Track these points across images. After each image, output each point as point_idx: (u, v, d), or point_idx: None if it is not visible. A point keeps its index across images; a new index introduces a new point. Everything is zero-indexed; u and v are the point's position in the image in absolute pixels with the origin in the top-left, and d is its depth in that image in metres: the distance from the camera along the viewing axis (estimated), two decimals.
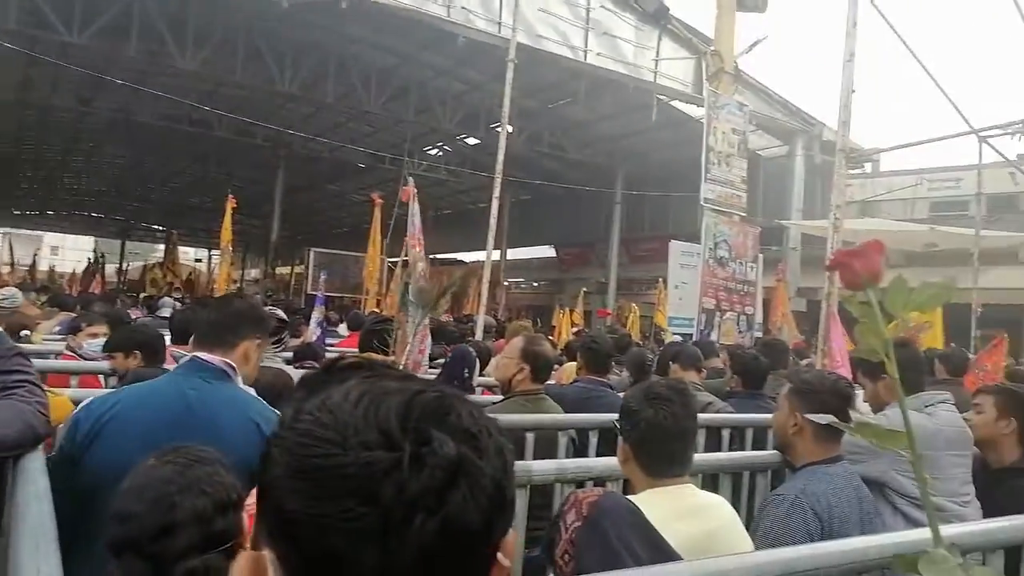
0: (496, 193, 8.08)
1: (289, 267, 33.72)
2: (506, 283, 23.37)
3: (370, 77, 15.90)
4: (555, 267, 26.49)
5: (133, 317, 7.20)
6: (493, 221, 8.05)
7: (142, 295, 18.77)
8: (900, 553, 0.72)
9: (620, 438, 1.96)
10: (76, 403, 2.20)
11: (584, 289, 17.36)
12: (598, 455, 3.02)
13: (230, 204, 11.25)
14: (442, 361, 5.18)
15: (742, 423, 3.56)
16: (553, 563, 1.48)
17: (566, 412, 3.25)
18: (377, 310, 9.69)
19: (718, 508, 1.92)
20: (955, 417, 2.77)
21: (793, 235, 16.23)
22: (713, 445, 3.34)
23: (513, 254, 25.66)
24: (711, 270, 9.70)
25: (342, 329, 9.22)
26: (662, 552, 1.48)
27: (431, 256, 23.03)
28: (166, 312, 8.20)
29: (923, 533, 0.65)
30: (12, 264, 22.34)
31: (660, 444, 1.84)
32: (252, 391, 2.05)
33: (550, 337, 9.37)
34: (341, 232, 32.80)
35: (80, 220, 38.11)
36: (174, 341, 3.60)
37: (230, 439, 1.67)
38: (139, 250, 42.84)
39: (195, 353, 1.99)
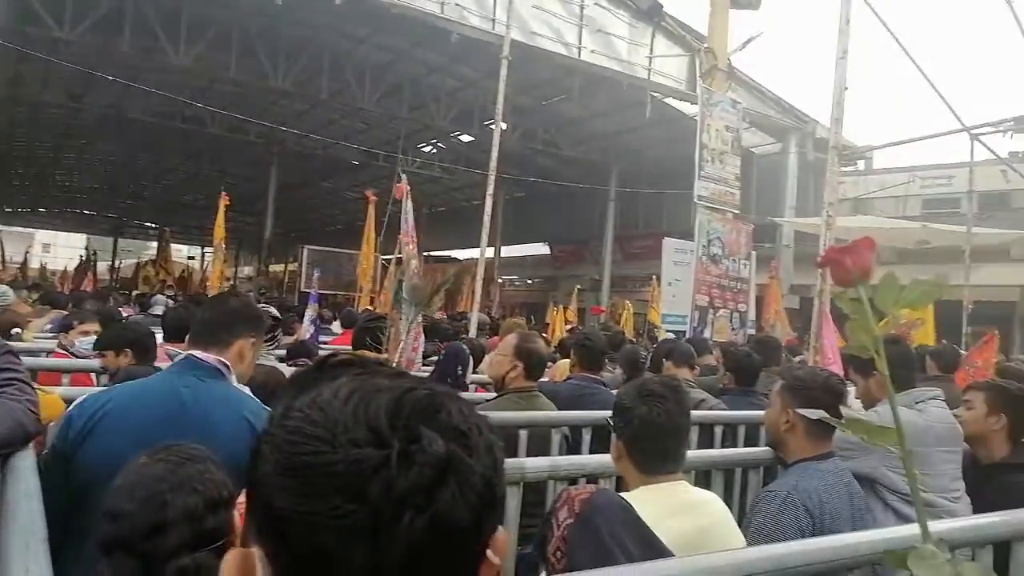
0: (490, 190, 8.08)
1: (283, 265, 33.62)
2: (500, 280, 23.36)
3: (364, 74, 15.86)
4: (549, 264, 26.50)
5: (125, 315, 7.18)
6: (487, 218, 8.04)
7: (134, 293, 18.70)
8: (890, 549, 0.73)
9: (613, 435, 1.96)
10: (67, 401, 2.20)
11: (578, 286, 17.36)
12: (591, 452, 3.03)
13: (223, 201, 11.19)
14: (435, 359, 5.18)
15: (735, 420, 3.58)
16: (545, 560, 1.48)
17: (559, 409, 3.26)
18: (371, 308, 9.68)
19: (711, 505, 1.93)
20: (946, 413, 2.78)
21: (786, 232, 16.28)
22: (706, 442, 3.35)
23: (507, 251, 25.66)
24: (704, 267, 9.71)
25: (336, 327, 9.22)
26: (654, 549, 1.49)
27: (425, 253, 23.04)
28: (158, 310, 8.18)
29: (913, 529, 0.66)
30: (3, 262, 22.18)
31: (654, 441, 1.85)
32: (247, 390, 2.05)
33: (544, 334, 9.37)
34: (335, 229, 32.74)
35: (72, 217, 37.90)
36: (166, 339, 3.58)
37: (223, 437, 1.66)
38: (132, 247, 42.60)
39: (190, 351, 2.00)
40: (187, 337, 2.11)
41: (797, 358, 6.71)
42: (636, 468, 1.86)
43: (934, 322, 8.17)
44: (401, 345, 3.18)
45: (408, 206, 5.53)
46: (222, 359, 1.97)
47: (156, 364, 3.19)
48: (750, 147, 16.09)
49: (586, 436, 3.19)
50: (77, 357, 4.09)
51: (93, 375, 3.76)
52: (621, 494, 1.78)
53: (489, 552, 0.58)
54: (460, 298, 15.63)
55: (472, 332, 7.44)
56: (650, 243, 16.32)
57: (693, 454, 2.58)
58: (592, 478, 2.37)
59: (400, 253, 5.39)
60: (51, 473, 1.73)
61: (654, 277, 12.32)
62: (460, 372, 4.09)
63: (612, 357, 5.39)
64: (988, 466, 2.76)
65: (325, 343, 6.90)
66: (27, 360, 2.12)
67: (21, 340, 5.03)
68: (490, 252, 16.89)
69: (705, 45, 13.75)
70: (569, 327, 11.56)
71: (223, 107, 16.10)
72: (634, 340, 9.48)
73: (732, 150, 10.50)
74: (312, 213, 32.58)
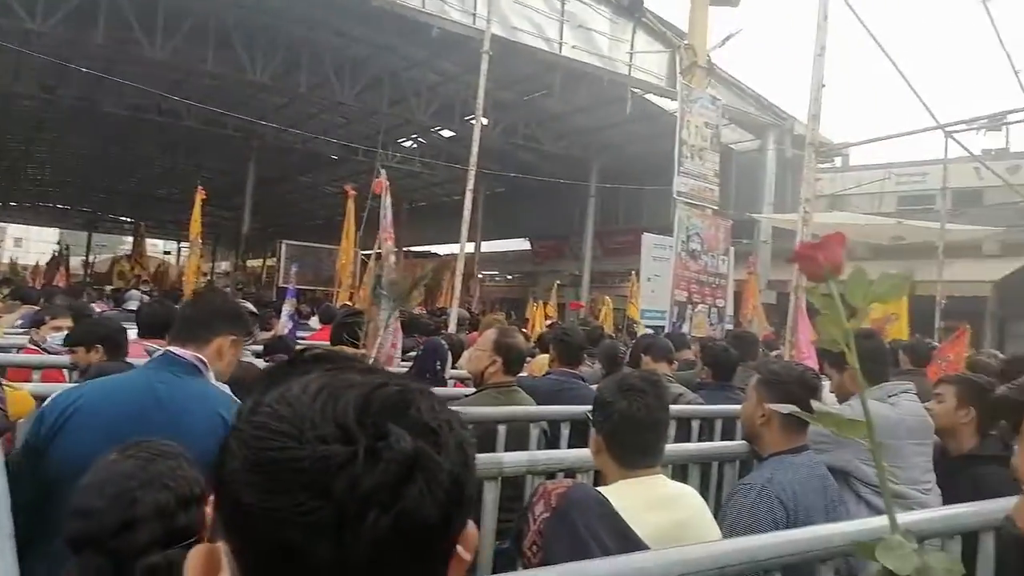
0: (470, 185, 8.06)
1: (260, 260, 33.32)
2: (480, 276, 23.35)
3: (344, 67, 15.74)
4: (529, 260, 26.52)
5: (99, 311, 7.07)
6: (467, 213, 8.03)
7: (109, 288, 18.44)
8: (860, 540, 0.73)
9: (593, 429, 1.97)
10: (37, 398, 2.16)
11: (558, 282, 17.40)
12: (570, 447, 3.04)
13: (200, 195, 11.05)
14: (414, 354, 5.17)
15: (711, 414, 3.60)
16: (521, 554, 1.48)
17: (539, 404, 3.26)
18: (349, 303, 9.61)
19: (688, 498, 1.94)
20: (917, 407, 2.83)
21: (764, 228, 16.43)
22: (683, 436, 3.37)
23: (487, 247, 25.64)
24: (683, 263, 9.78)
25: (314, 322, 9.14)
26: (630, 542, 1.50)
27: (405, 249, 22.95)
28: (133, 305, 8.05)
29: (884, 520, 0.67)
30: None
31: (633, 435, 1.86)
32: (227, 388, 2.04)
33: (523, 330, 9.39)
34: (314, 224, 32.48)
35: (45, 211, 37.22)
36: (141, 335, 3.53)
37: (197, 433, 1.65)
38: (106, 242, 42.00)
39: (168, 347, 2.00)
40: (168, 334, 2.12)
41: (774, 353, 6.78)
42: (615, 462, 1.87)
43: (908, 317, 8.30)
44: (379, 340, 3.16)
45: (387, 201, 5.49)
46: (200, 356, 1.97)
47: (132, 360, 3.15)
48: (729, 143, 16.20)
49: (564, 431, 3.20)
50: (49, 353, 4.03)
51: (65, 371, 3.70)
52: (599, 488, 1.79)
53: (459, 548, 0.58)
54: (440, 293, 15.58)
55: (452, 327, 7.43)
56: (630, 239, 16.38)
57: (670, 448, 2.60)
58: (570, 472, 2.38)
59: (380, 248, 5.36)
60: (23, 469, 1.72)
61: (633, 273, 12.38)
62: (439, 367, 4.08)
63: (591, 352, 5.41)
64: (957, 458, 2.81)
65: (303, 338, 6.85)
66: None
67: None
68: (470, 247, 16.84)
69: (685, 42, 13.80)
70: (549, 322, 11.58)
71: (200, 100, 15.90)
72: (613, 335, 9.52)
73: (711, 146, 10.57)
74: (291, 208, 32.29)
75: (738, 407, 2.82)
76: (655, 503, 1.80)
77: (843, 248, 0.74)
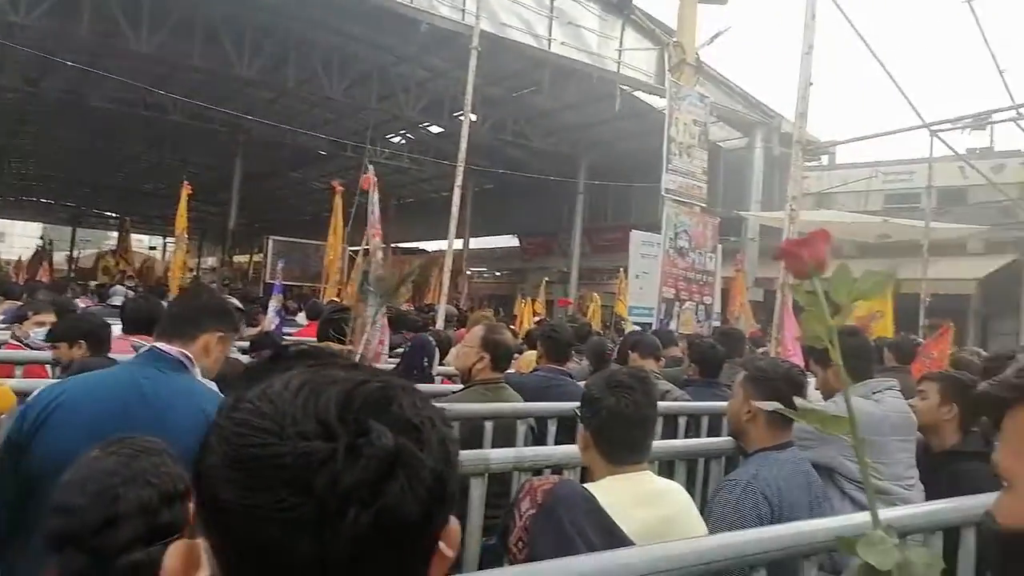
0: (459, 181, 8.05)
1: (247, 255, 33.13)
2: (468, 272, 23.32)
3: (332, 63, 15.65)
4: (518, 256, 26.52)
5: (83, 306, 7.01)
6: (455, 209, 8.02)
7: (93, 284, 18.26)
8: (843, 536, 0.74)
9: (581, 425, 1.97)
10: (19, 393, 2.14)
11: (546, 279, 17.42)
12: (557, 443, 3.04)
13: (186, 190, 10.96)
14: (402, 350, 5.16)
15: (698, 411, 3.62)
16: (507, 550, 1.48)
17: (526, 401, 3.26)
18: (337, 299, 9.58)
19: (674, 494, 1.95)
20: (901, 403, 2.85)
21: (752, 226, 16.51)
22: (670, 432, 3.39)
23: (476, 243, 25.62)
24: (671, 260, 9.82)
25: (301, 318, 9.10)
26: (616, 538, 1.50)
27: (393, 245, 22.89)
28: (117, 301, 7.99)
29: (867, 516, 0.67)
30: None
31: (621, 431, 1.86)
32: (213, 385, 2.03)
33: (511, 326, 9.39)
34: (302, 220, 32.31)
35: (29, 206, 36.80)
36: (125, 331, 3.50)
37: (181, 430, 1.62)
38: (91, 237, 41.57)
39: (154, 343, 1.99)
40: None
41: (760, 350, 6.82)
42: (603, 458, 1.87)
43: (893, 315, 8.37)
44: (366, 337, 3.15)
45: (375, 197, 5.46)
46: (185, 352, 1.96)
47: (119, 356, 3.12)
48: (717, 141, 16.26)
49: (552, 427, 3.20)
50: (32, 348, 3.99)
51: (48, 367, 3.66)
52: (586, 484, 1.80)
53: (442, 544, 0.57)
54: (428, 290, 15.56)
55: (440, 324, 7.42)
56: (618, 236, 16.41)
57: (657, 444, 2.61)
58: (557, 469, 2.38)
59: (367, 244, 5.33)
60: (4, 466, 1.71)
61: (621, 270, 12.41)
62: (426, 364, 4.08)
63: (579, 349, 5.42)
64: (940, 454, 2.83)
65: (289, 334, 6.82)
66: None
67: None
68: (458, 244, 16.85)
69: (674, 39, 13.83)
70: (537, 319, 11.59)
71: (186, 94, 15.75)
72: (601, 332, 9.55)
73: (699, 144, 10.61)
74: (278, 203, 32.10)
75: (724, 404, 2.83)
76: (642, 499, 1.80)
77: (827, 245, 0.74)
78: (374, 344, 3.46)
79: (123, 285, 14.22)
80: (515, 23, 13.87)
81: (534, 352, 4.68)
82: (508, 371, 3.46)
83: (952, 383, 2.88)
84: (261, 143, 20.19)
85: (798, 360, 3.85)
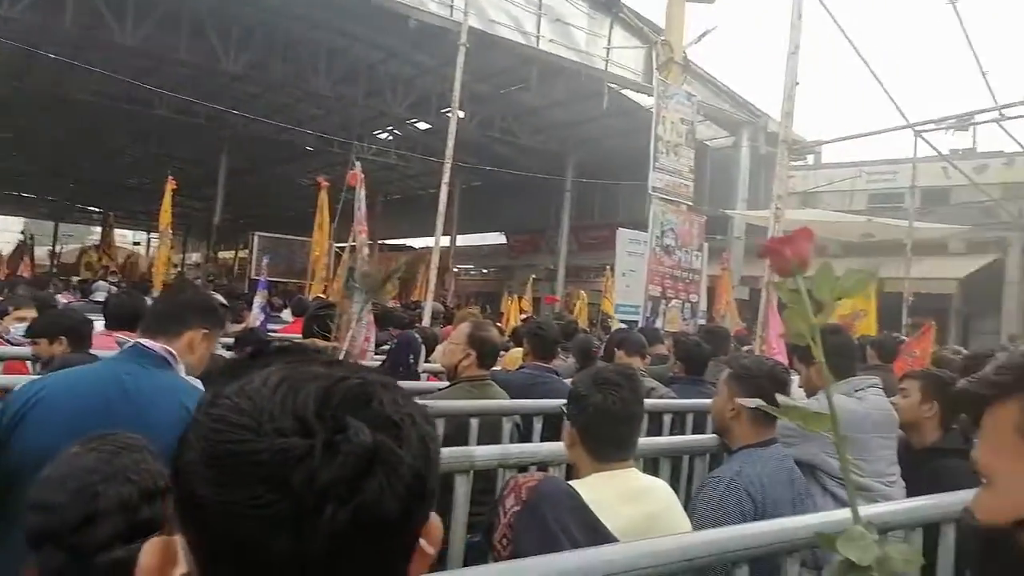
0: (446, 178, 8.02)
1: (232, 251, 32.87)
2: (455, 269, 23.29)
3: (319, 58, 15.56)
4: (504, 254, 26.53)
5: (65, 301, 6.94)
6: (442, 206, 8.00)
7: (76, 279, 18.08)
8: (824, 532, 0.74)
9: (567, 422, 1.97)
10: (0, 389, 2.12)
11: (533, 276, 17.44)
12: (542, 440, 3.04)
13: (170, 185, 10.89)
14: (388, 347, 5.14)
15: (683, 408, 3.64)
16: (492, 547, 1.48)
17: (512, 398, 3.26)
18: (322, 295, 9.54)
19: (659, 491, 1.96)
20: (883, 401, 2.88)
21: (738, 224, 16.61)
22: (655, 430, 3.40)
23: (463, 240, 25.61)
24: (658, 258, 9.85)
25: (286, 315, 9.07)
26: (599, 535, 1.51)
27: (380, 241, 22.80)
28: (100, 296, 7.93)
29: (848, 513, 0.68)
30: None
31: (608, 428, 1.87)
32: (198, 382, 2.02)
33: (498, 324, 9.39)
34: (288, 216, 32.07)
35: (10, 200, 36.25)
36: (108, 327, 3.47)
37: (162, 426, 1.62)
38: (74, 232, 41.12)
39: (137, 339, 1.98)
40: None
41: (745, 348, 6.86)
42: (589, 455, 1.87)
43: (876, 313, 8.46)
44: (351, 334, 3.13)
45: (362, 193, 5.44)
46: (169, 348, 1.95)
47: (100, 352, 3.09)
48: (704, 140, 16.33)
49: (537, 424, 3.20)
50: (12, 344, 3.95)
51: (28, 363, 3.62)
52: (572, 481, 1.80)
53: (422, 541, 0.57)
54: (414, 287, 15.52)
55: (426, 321, 7.40)
56: (605, 233, 16.45)
57: (642, 441, 2.61)
58: (543, 466, 2.38)
59: (354, 241, 5.32)
60: None
61: (608, 267, 12.45)
62: (412, 361, 4.08)
63: (565, 346, 5.43)
64: (921, 451, 2.86)
65: (274, 331, 6.78)
66: None
67: None
68: (445, 241, 16.81)
69: (662, 37, 13.86)
70: (523, 316, 11.60)
71: (172, 88, 15.60)
72: (587, 330, 9.56)
73: (686, 142, 10.65)
74: (264, 199, 31.83)
75: (709, 401, 2.85)
76: (627, 496, 1.81)
77: (811, 244, 0.74)
78: (360, 341, 3.45)
79: (106, 281, 14.09)
80: (503, 20, 13.86)
81: (520, 349, 4.69)
82: (494, 368, 3.46)
83: (933, 381, 2.91)
84: (247, 138, 20.04)
85: (782, 358, 3.87)
